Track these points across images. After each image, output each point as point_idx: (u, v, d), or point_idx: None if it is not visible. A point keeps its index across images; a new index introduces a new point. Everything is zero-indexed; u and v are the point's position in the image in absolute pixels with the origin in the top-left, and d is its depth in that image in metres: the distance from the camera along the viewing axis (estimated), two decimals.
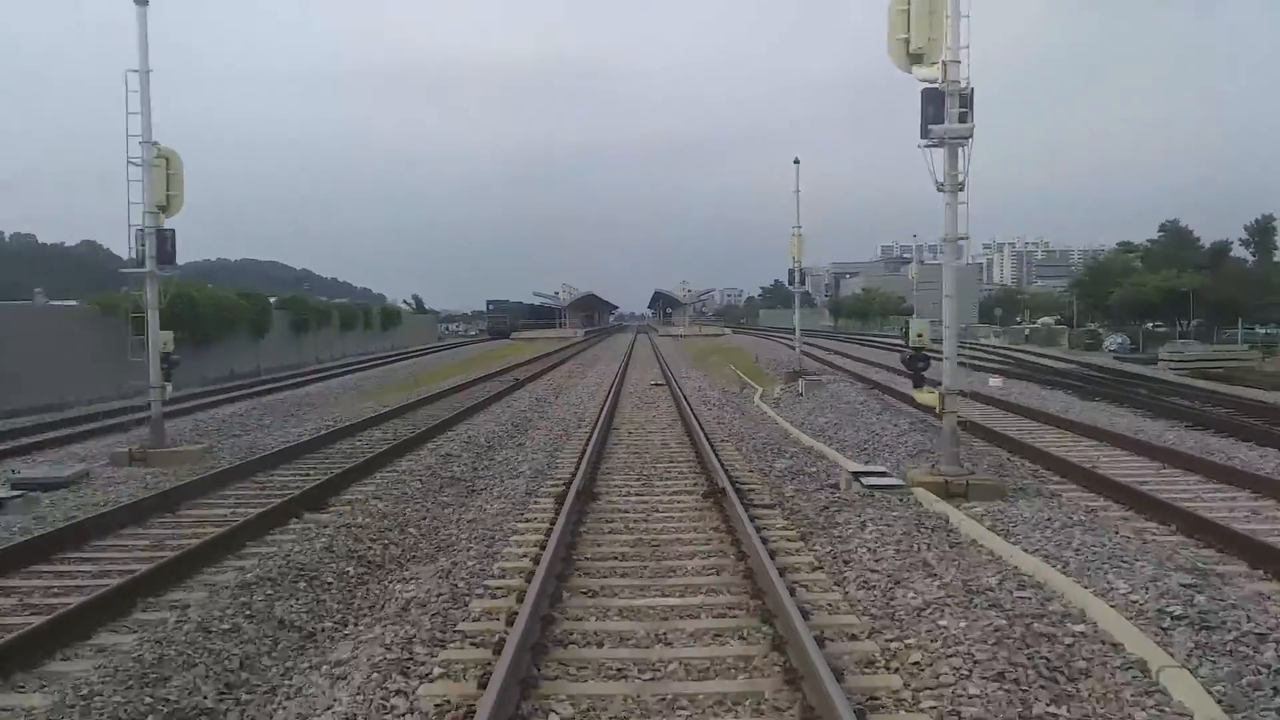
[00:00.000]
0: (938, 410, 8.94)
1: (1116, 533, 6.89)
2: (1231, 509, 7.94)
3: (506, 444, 12.78)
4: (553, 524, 7.23)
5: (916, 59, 8.67)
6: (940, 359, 9.07)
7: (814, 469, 9.85)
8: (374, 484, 9.81)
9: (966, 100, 8.49)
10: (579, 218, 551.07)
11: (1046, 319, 74.20)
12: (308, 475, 10.49)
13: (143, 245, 11.62)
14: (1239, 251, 63.58)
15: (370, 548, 7.22)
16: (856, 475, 8.94)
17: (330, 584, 6.33)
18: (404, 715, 4.11)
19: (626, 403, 18.01)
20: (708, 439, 11.78)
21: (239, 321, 31.94)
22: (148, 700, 4.46)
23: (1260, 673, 4.25)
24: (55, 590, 6.32)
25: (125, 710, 4.33)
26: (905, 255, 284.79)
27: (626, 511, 8.19)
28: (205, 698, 4.60)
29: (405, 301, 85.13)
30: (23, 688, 4.73)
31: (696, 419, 13.92)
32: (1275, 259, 58.32)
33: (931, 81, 8.60)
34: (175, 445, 11.96)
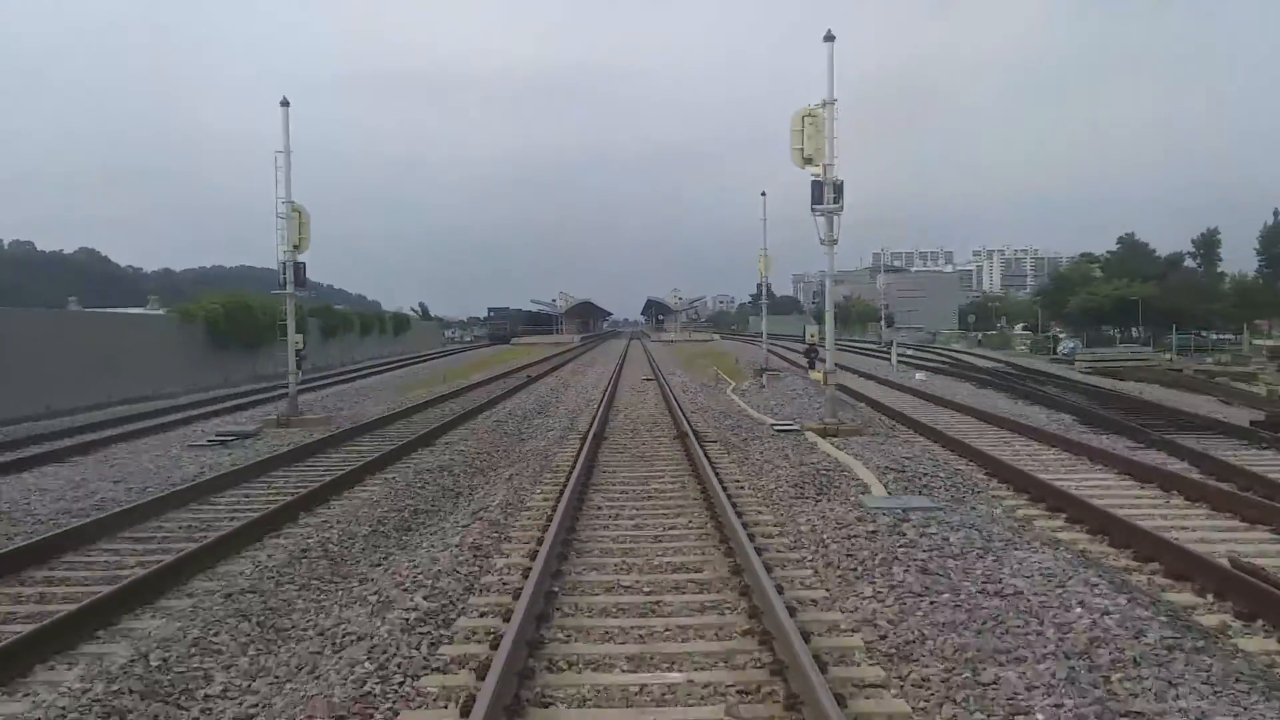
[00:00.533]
0: (823, 382, 14.17)
1: (908, 445, 12.12)
2: (993, 440, 13.15)
3: (538, 416, 17.95)
4: (580, 449, 12.37)
5: (808, 161, 13.91)
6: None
7: (749, 425, 15.02)
8: (456, 435, 14.97)
9: (838, 189, 13.73)
10: (575, 223, 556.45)
11: (1018, 326, 79.71)
12: (407, 431, 15.62)
13: (284, 274, 16.78)
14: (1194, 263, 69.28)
15: (473, 460, 12.38)
16: (773, 426, 14.16)
17: (459, 474, 11.48)
18: (527, 504, 9.28)
19: (623, 391, 23.17)
20: (682, 412, 16.89)
21: (265, 331, 37.04)
22: (398, 506, 9.59)
23: (912, 485, 9.44)
24: (313, 475, 11.47)
25: (393, 506, 9.48)
26: (896, 264, 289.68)
27: (626, 444, 13.37)
28: (421, 505, 9.76)
29: (412, 308, 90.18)
30: (332, 505, 9.88)
31: (676, 401, 19.04)
32: (1219, 269, 63.91)
33: (817, 176, 13.84)
34: (304, 414, 17.11)
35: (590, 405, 19.52)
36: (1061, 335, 62.58)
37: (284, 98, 16.69)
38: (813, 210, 13.87)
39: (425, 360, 48.18)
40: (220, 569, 7.14)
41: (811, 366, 15.00)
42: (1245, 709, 4.05)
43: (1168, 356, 35.66)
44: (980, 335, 60.39)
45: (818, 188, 13.79)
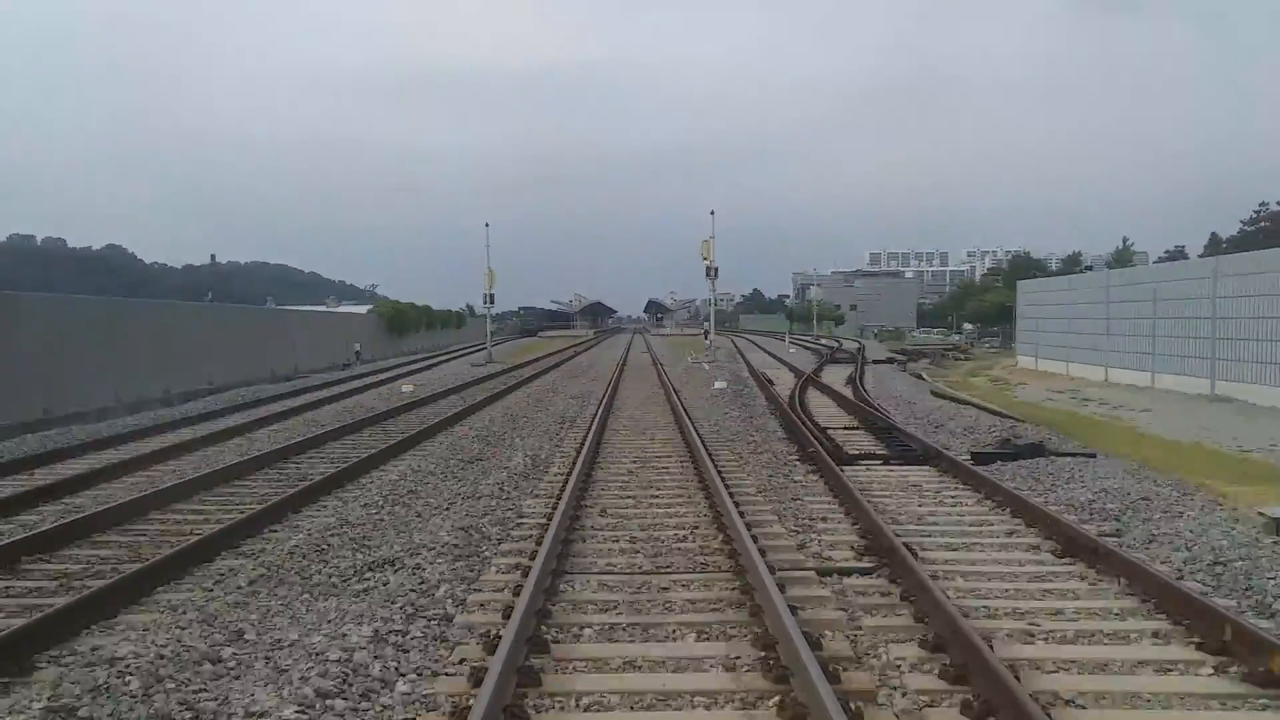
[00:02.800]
0: (709, 343, 37.25)
1: (737, 367, 35.22)
2: (771, 368, 36.04)
3: (592, 366, 40.90)
4: (617, 370, 35.25)
5: (705, 258, 37.02)
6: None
7: (684, 364, 37.93)
8: (563, 368, 37.88)
9: (715, 271, 36.80)
10: (583, 223, 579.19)
11: (943, 325, 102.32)
12: (543, 368, 38.46)
13: (485, 301, 39.74)
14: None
15: (579, 372, 35.35)
16: (691, 363, 37.21)
17: (578, 374, 34.41)
18: (608, 376, 32.26)
19: (630, 359, 46.10)
20: (660, 363, 39.74)
21: (413, 323, 60.11)
22: (563, 379, 32.51)
23: (721, 371, 32.46)
24: (528, 374, 34.54)
25: (561, 379, 32.43)
26: (892, 263, 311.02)
27: (634, 369, 36.35)
28: (574, 374, 32.66)
29: (460, 309, 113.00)
30: (543, 377, 32.82)
31: (659, 362, 41.88)
32: None
33: (708, 264, 36.89)
34: (495, 360, 40.10)
35: (616, 362, 42.45)
36: (958, 333, 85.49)
37: (486, 222, 39.60)
38: (706, 277, 36.97)
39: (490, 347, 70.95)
40: (519, 390, 30.07)
41: (706, 338, 37.90)
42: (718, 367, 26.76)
43: (969, 344, 58.44)
44: (877, 329, 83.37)
45: (709, 270, 36.88)
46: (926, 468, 11.68)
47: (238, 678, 5.03)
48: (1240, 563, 7.04)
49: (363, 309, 55.80)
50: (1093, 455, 12.15)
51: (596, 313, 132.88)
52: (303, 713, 4.55)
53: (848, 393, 22.06)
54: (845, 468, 11.16)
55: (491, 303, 39.97)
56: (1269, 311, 20.92)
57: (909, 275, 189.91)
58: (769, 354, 45.18)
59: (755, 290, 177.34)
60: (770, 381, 25.52)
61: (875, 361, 36.72)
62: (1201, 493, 10.01)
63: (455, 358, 45.51)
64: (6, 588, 6.98)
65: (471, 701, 4.36)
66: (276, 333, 35.91)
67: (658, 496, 10.18)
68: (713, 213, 36.57)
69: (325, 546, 8.04)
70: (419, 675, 5.07)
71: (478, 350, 58.46)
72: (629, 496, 10.17)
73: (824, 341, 63.88)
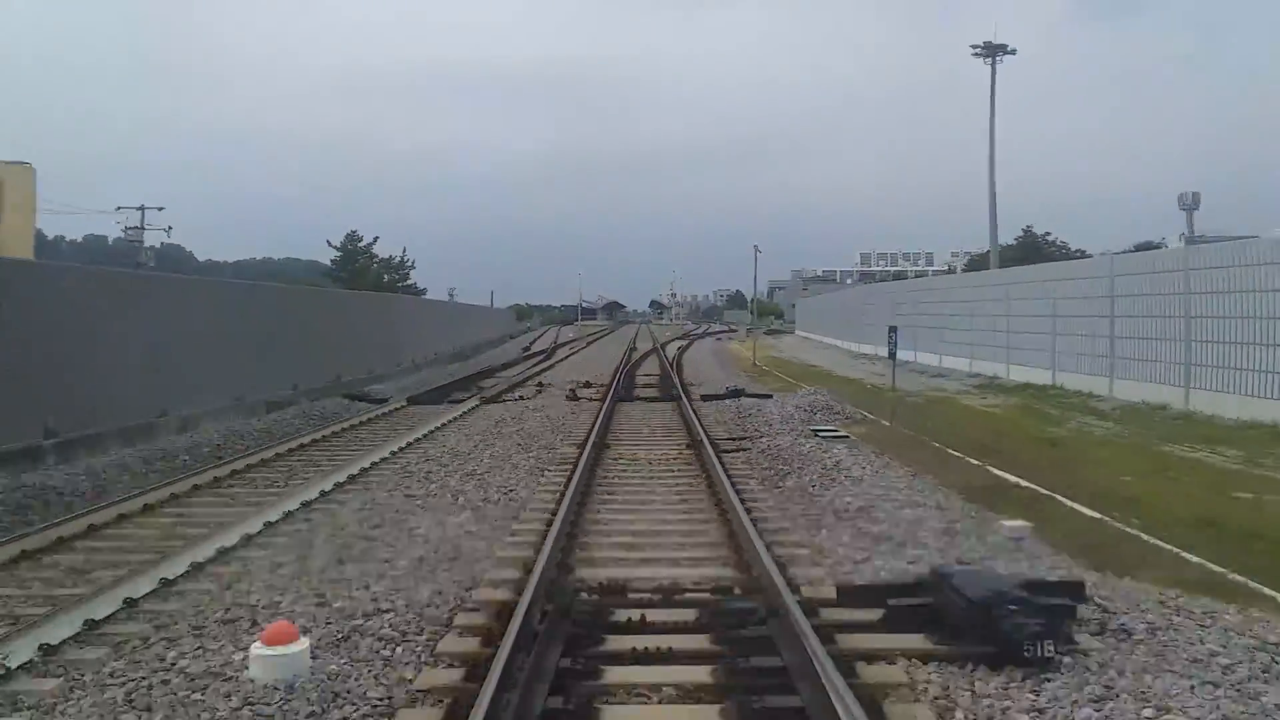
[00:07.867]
0: (678, 325, 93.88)
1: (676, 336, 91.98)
2: (695, 336, 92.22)
3: (621, 337, 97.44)
4: (633, 338, 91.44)
5: (670, 291, 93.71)
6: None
7: (667, 337, 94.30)
8: (616, 333, 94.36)
9: (674, 297, 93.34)
10: (593, 221, 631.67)
11: None
12: (606, 331, 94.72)
13: (580, 301, 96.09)
14: None
15: (619, 334, 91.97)
16: (671, 337, 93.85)
17: (617, 334, 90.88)
18: (628, 339, 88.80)
19: (640, 334, 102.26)
20: (656, 338, 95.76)
21: (521, 315, 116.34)
22: (614, 336, 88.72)
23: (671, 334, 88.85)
24: (604, 329, 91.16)
25: (616, 335, 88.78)
26: (881, 263, 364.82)
27: (644, 335, 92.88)
28: (617, 335, 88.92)
29: (522, 304, 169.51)
30: (612, 332, 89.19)
31: (655, 339, 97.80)
32: None
33: (673, 293, 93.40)
34: (581, 330, 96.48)
35: (631, 335, 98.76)
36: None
37: (579, 271, 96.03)
38: (672, 296, 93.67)
39: (547, 333, 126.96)
40: (607, 336, 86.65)
41: (671, 322, 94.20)
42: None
43: None
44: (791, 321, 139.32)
45: (673, 295, 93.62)
46: (688, 339, 68.32)
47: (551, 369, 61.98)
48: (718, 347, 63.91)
49: (502, 307, 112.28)
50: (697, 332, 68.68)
51: (612, 308, 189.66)
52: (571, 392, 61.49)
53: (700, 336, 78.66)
54: (679, 340, 67.81)
55: (580, 304, 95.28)
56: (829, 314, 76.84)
57: (894, 274, 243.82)
58: (705, 331, 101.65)
59: (738, 291, 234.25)
60: (688, 334, 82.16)
61: (733, 331, 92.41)
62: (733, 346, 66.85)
63: (551, 331, 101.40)
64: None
65: (619, 371, 61.21)
66: (485, 319, 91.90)
67: (643, 338, 67.17)
68: (675, 271, 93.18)
69: (595, 349, 64.82)
70: (612, 366, 61.94)
71: (543, 330, 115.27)
72: (642, 338, 67.29)
73: (747, 327, 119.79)
